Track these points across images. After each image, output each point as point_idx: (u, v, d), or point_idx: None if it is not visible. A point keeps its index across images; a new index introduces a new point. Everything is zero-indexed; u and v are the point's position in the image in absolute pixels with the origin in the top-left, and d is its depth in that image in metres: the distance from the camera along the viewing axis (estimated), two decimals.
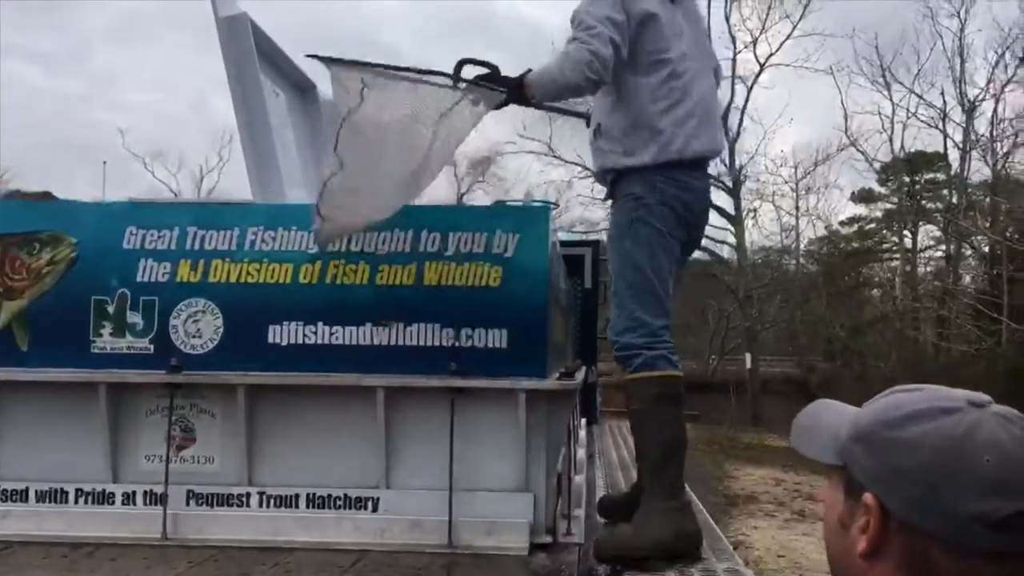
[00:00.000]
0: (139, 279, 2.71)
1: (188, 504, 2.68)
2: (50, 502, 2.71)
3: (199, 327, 2.69)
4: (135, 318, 2.70)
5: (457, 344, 2.65)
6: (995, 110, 26.38)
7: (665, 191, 2.78)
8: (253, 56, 3.24)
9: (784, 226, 35.41)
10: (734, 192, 28.72)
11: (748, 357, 28.14)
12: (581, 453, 4.16)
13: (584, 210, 31.07)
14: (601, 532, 2.82)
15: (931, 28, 28.18)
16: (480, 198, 34.04)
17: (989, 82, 26.70)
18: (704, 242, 29.07)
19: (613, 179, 2.88)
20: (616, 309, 2.83)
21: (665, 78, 2.79)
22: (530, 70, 2.71)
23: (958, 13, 27.23)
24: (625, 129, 2.82)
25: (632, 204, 2.80)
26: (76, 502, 2.71)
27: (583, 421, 5.24)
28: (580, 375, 3.01)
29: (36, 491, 2.72)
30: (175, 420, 2.72)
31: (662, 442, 2.74)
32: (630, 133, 2.81)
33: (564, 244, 5.07)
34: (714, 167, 29.07)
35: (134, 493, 2.70)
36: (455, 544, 2.58)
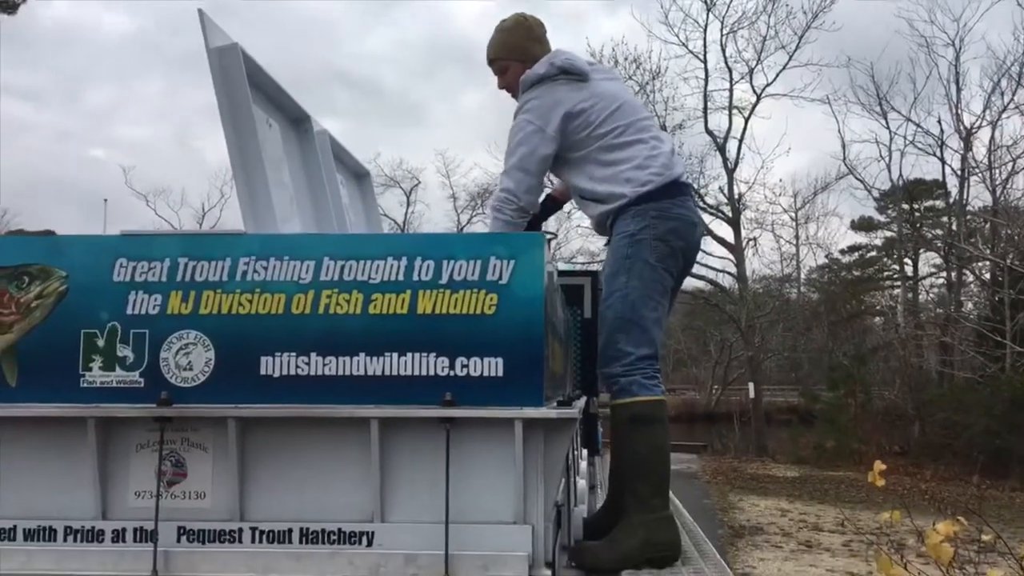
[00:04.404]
0: (129, 312, 2.67)
1: (179, 541, 2.63)
2: (39, 540, 2.65)
3: (190, 359, 2.65)
4: (125, 351, 2.66)
5: (452, 373, 2.60)
6: (992, 137, 26.48)
7: (658, 226, 3.01)
8: (245, 87, 3.22)
9: (785, 255, 35.56)
10: (734, 221, 28.71)
11: (751, 387, 27.99)
12: (582, 484, 4.09)
13: (584, 241, 31.11)
14: (579, 543, 2.94)
15: (926, 57, 28.28)
16: (480, 230, 34.16)
17: (985, 109, 26.77)
18: (705, 272, 29.21)
19: (611, 223, 3.11)
20: (603, 341, 3.08)
21: (607, 136, 3.12)
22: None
23: (953, 42, 27.38)
24: (596, 185, 3.15)
25: (627, 241, 3.03)
26: (65, 540, 2.65)
27: (584, 452, 5.17)
28: (579, 404, 2.99)
29: (24, 529, 2.66)
30: (166, 454, 2.67)
31: (633, 459, 2.95)
32: (601, 185, 3.13)
33: (563, 274, 5.05)
34: (713, 197, 29.30)
35: (124, 530, 2.65)
36: None
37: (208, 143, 63.96)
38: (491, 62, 3.44)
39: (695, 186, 28.51)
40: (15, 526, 2.67)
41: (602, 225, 3.20)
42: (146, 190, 45.27)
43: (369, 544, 2.59)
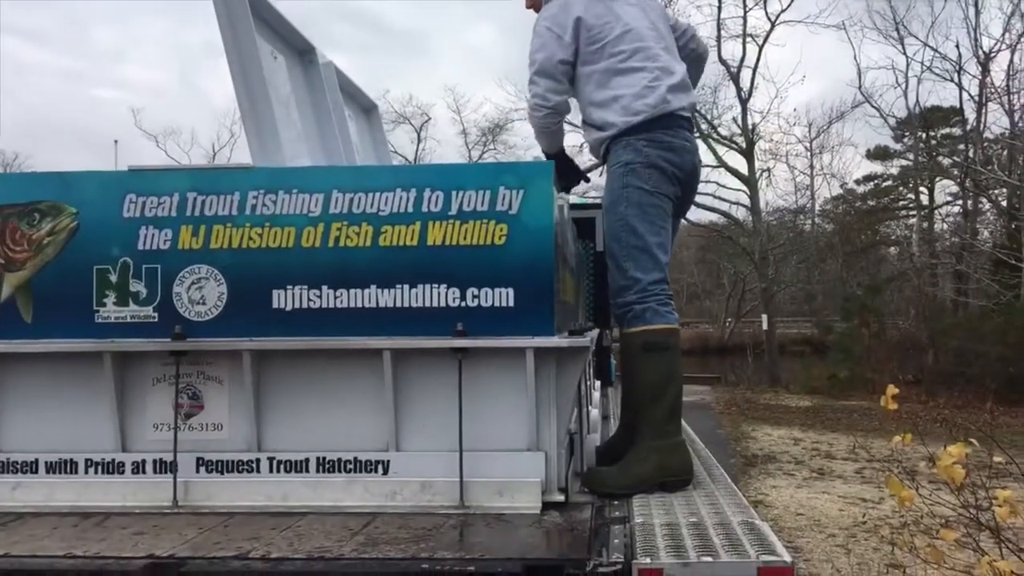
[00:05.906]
0: (140, 247, 2.68)
1: (198, 471, 2.68)
2: (60, 473, 2.71)
3: (203, 294, 2.66)
4: (138, 286, 2.68)
5: (463, 304, 2.61)
6: (1011, 61, 25.94)
7: (649, 154, 3.04)
8: (249, 18, 3.18)
9: (799, 186, 35.18)
10: (747, 153, 28.39)
11: (765, 319, 28.00)
12: (595, 414, 4.13)
13: (596, 175, 30.85)
14: (591, 469, 3.00)
15: None
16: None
17: (1005, 32, 26.15)
18: (718, 204, 28.87)
19: (604, 153, 3.16)
20: (613, 271, 3.10)
21: (611, 57, 3.08)
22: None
23: None
24: (593, 110, 3.14)
25: (622, 170, 3.06)
26: (86, 472, 2.71)
27: (597, 384, 5.20)
28: (591, 334, 3.00)
29: (46, 462, 2.72)
30: (182, 387, 2.70)
31: (646, 386, 2.96)
32: (597, 111, 3.12)
33: (574, 207, 5.01)
34: (726, 128, 28.96)
35: (143, 462, 2.70)
36: (466, 505, 2.57)
37: (214, 83, 63.39)
38: None
39: (708, 117, 28.20)
40: (37, 459, 2.72)
41: (596, 151, 3.24)
42: (156, 131, 45.14)
43: (385, 472, 2.63)
